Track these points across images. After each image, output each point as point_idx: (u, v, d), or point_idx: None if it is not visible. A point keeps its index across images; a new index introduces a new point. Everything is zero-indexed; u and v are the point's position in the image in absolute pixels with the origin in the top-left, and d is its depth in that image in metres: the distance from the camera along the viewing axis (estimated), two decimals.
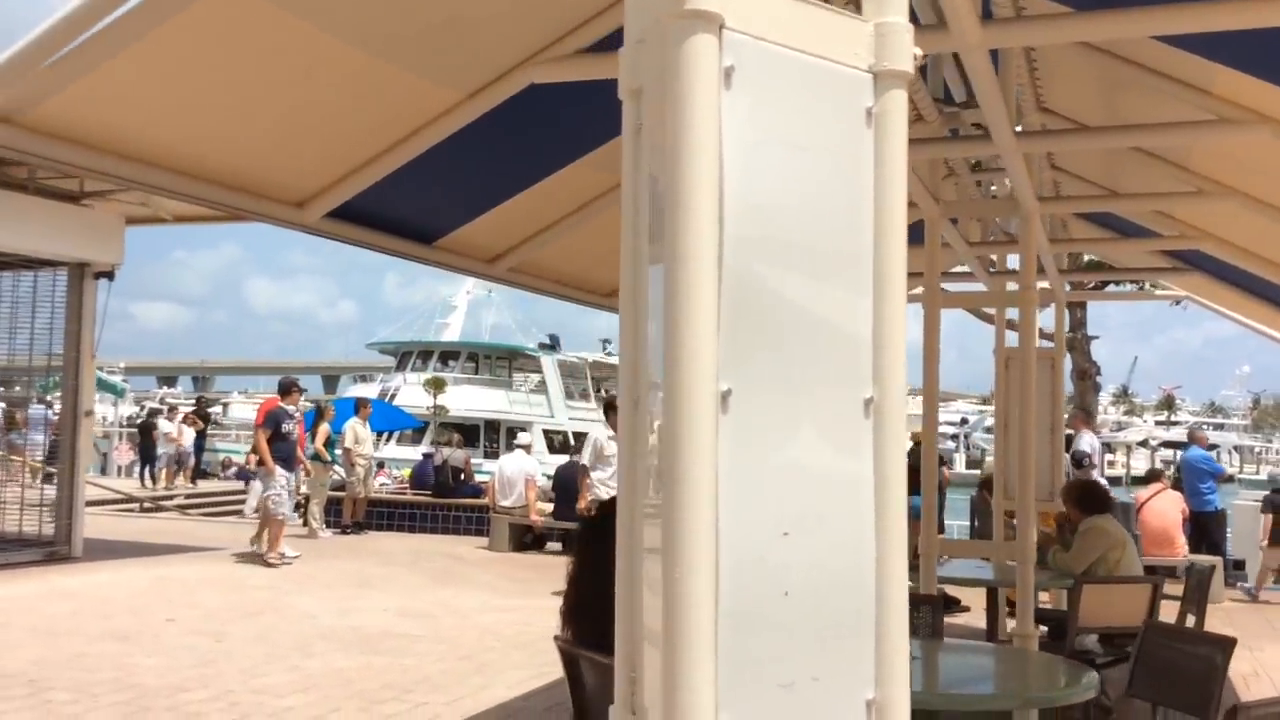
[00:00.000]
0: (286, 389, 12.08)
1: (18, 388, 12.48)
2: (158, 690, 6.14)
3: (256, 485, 11.61)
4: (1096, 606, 5.59)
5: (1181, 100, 4.15)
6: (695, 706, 1.64)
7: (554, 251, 5.03)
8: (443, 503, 15.57)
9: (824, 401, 1.85)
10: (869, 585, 1.85)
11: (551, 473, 14.55)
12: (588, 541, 3.39)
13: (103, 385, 30.45)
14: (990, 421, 79.55)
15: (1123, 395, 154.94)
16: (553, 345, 42.12)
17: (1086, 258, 13.33)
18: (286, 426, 11.44)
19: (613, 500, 4.02)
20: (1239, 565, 12.36)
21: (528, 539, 13.81)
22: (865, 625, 1.84)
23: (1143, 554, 11.07)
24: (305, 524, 14.86)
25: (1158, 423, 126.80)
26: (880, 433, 1.87)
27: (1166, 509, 10.89)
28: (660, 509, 1.74)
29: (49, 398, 20.14)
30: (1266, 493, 12.67)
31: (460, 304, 42.76)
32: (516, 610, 9.14)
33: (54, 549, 11.10)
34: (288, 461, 11.41)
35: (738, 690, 1.69)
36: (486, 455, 36.03)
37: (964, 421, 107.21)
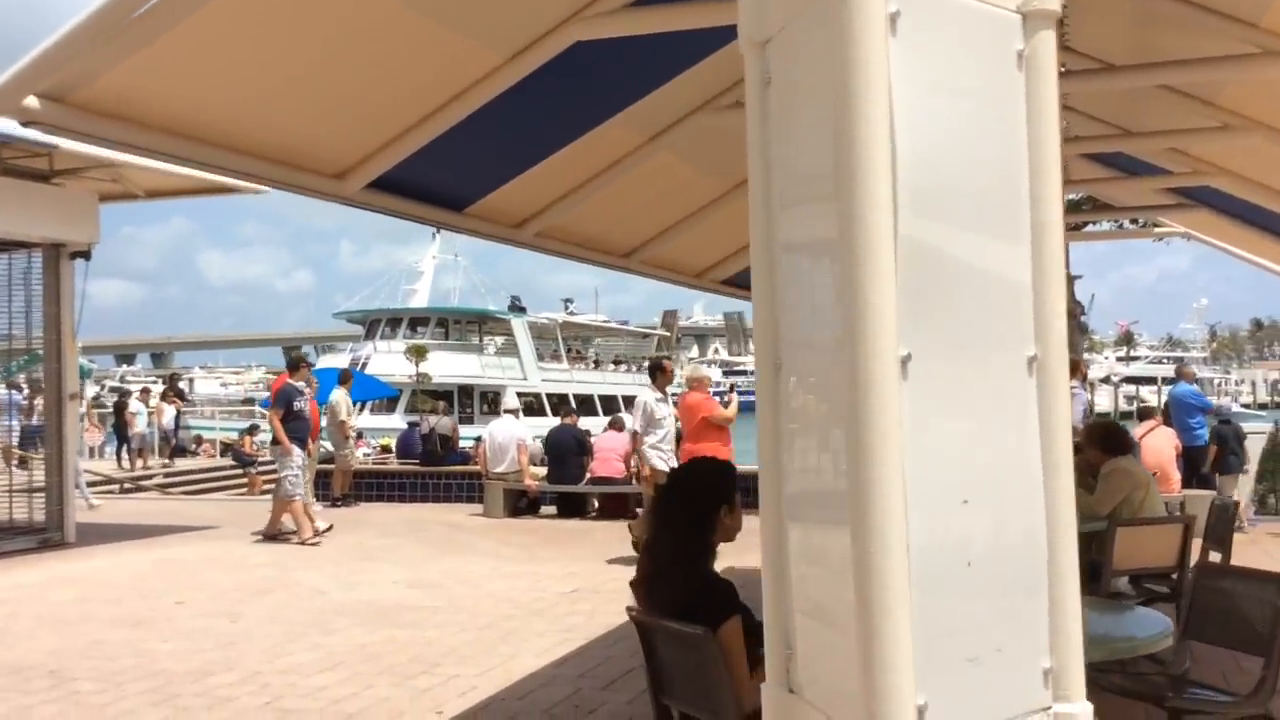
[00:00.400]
0: (295, 365, 11.76)
1: None
2: (183, 675, 6.04)
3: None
4: (1128, 549, 5.60)
5: (1222, 34, 4.09)
6: (895, 689, 1.58)
7: (578, 215, 4.91)
8: (432, 471, 15.46)
9: (992, 362, 1.78)
10: (1042, 551, 1.80)
11: (542, 436, 14.49)
12: (665, 508, 3.31)
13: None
14: None
15: (1083, 330, 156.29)
16: (521, 307, 41.90)
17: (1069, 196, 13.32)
18: (299, 404, 11.15)
19: (687, 465, 3.94)
20: None
21: (522, 504, 13.76)
22: (1039, 593, 1.79)
23: None
24: None
25: (1118, 359, 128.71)
26: (1044, 392, 1.80)
27: (1161, 445, 10.99)
28: (845, 484, 1.67)
29: (18, 379, 19.80)
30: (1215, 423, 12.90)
31: (427, 269, 42.40)
32: (526, 576, 9.09)
33: (47, 536, 10.90)
34: (303, 440, 11.12)
35: (931, 668, 1.63)
36: (462, 421, 35.92)
37: None
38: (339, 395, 15.12)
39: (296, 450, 10.85)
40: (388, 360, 36.90)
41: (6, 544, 10.48)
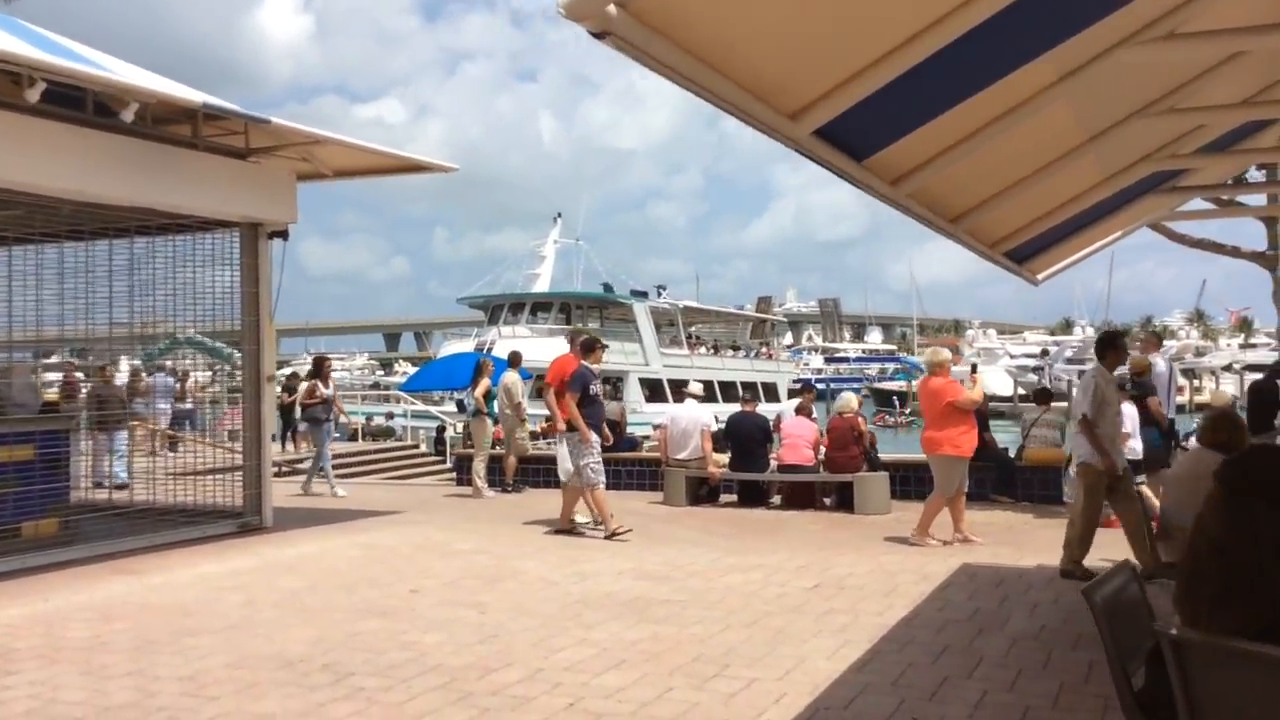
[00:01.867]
0: (590, 347, 11.09)
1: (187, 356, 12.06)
2: (463, 671, 5.72)
3: (563, 451, 10.63)
4: None
5: None
6: None
7: (945, 178, 4.41)
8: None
9: None
10: None
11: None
12: (1245, 512, 2.76)
13: (215, 352, 30.54)
14: (1070, 353, 77.71)
15: (1198, 318, 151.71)
16: (643, 292, 41.51)
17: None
18: (595, 388, 10.62)
19: (1264, 458, 3.37)
20: None
21: (703, 491, 13.34)
22: None
23: None
24: (470, 483, 14.60)
25: (1241, 345, 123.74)
26: None
27: None
28: None
29: (169, 363, 20.04)
30: None
31: (548, 253, 42.25)
32: (755, 569, 8.64)
33: (245, 520, 10.81)
34: (599, 426, 10.65)
35: None
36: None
37: (1044, 353, 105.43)
38: (513, 378, 14.87)
39: (595, 437, 10.39)
40: (511, 345, 36.82)
41: (209, 527, 10.40)
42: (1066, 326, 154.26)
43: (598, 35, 2.09)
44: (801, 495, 12.87)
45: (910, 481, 12.88)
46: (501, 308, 39.46)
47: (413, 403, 30.27)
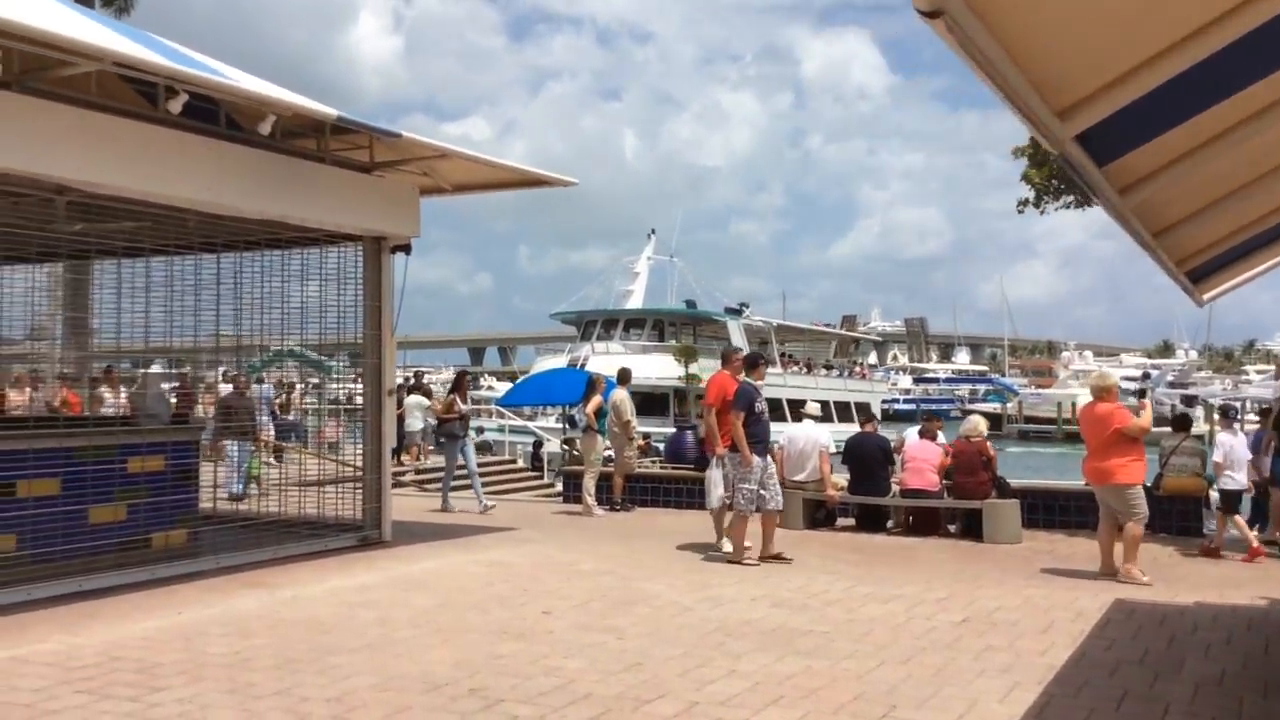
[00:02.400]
0: (754, 363, 10.67)
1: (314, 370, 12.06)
2: (615, 701, 5.48)
3: (714, 475, 10.24)
4: None
5: None
6: None
7: (1164, 191, 4.06)
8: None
9: None
10: None
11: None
12: None
13: (315, 365, 31.02)
14: (1173, 376, 75.59)
15: None
16: (737, 310, 41.19)
17: None
18: (760, 405, 10.12)
19: None
20: None
21: (820, 515, 12.97)
22: None
23: None
24: (579, 500, 14.43)
25: None
26: None
27: None
28: None
29: (261, 375, 20.21)
30: None
31: (642, 270, 42.19)
32: (892, 599, 8.28)
33: (365, 533, 10.75)
34: (765, 446, 10.17)
35: None
36: (676, 425, 35.48)
37: (1145, 376, 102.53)
38: (622, 395, 14.69)
39: (757, 461, 9.91)
40: (603, 361, 36.76)
41: (332, 540, 10.36)
42: (1165, 349, 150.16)
43: (928, 14, 1.84)
44: (925, 521, 12.44)
45: (1039, 509, 12.39)
46: (594, 323, 39.48)
47: (508, 417, 30.32)
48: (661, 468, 16.55)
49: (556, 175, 11.33)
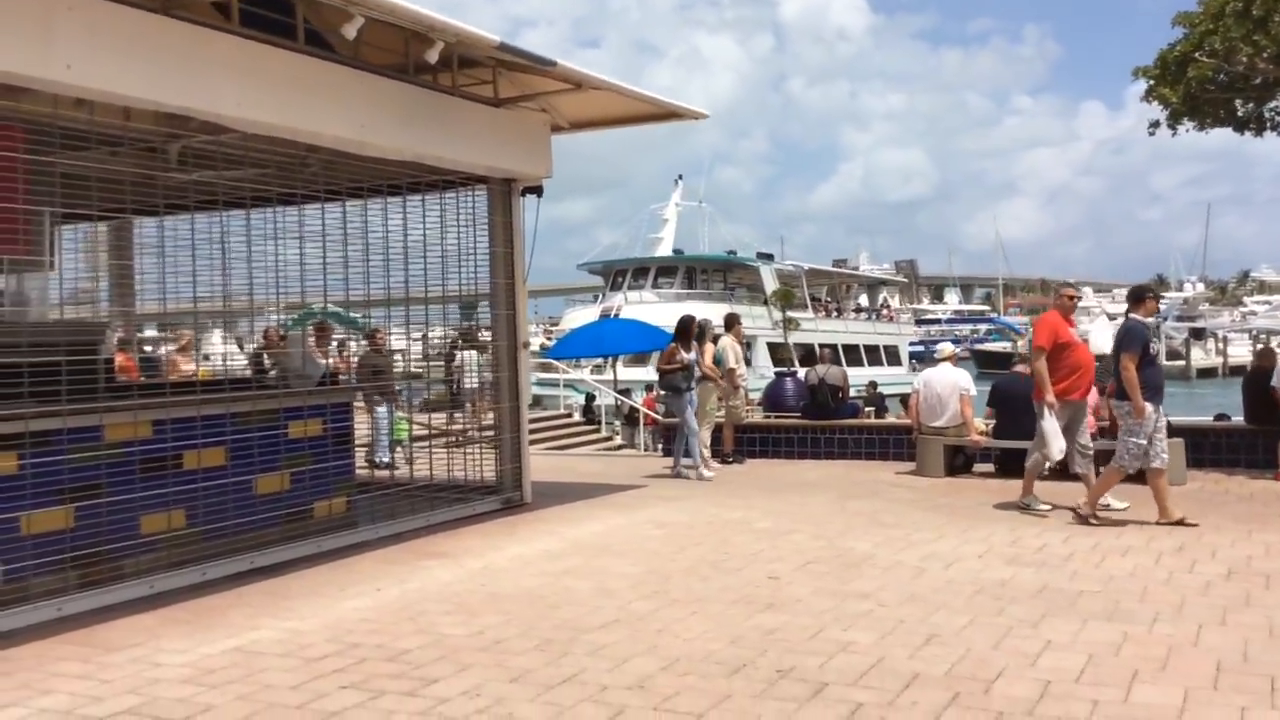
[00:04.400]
0: (1139, 297, 9.08)
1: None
2: (952, 682, 4.83)
3: (1050, 425, 9.20)
4: None
5: None
6: None
7: None
8: (826, 425, 14.16)
9: None
10: None
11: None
12: None
13: (350, 323, 30.35)
14: (1179, 310, 75.20)
15: None
16: (769, 254, 40.43)
17: None
18: (1155, 346, 8.88)
19: None
20: None
21: (959, 461, 12.35)
22: None
23: None
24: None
25: None
26: None
27: None
28: None
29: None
30: None
31: (671, 217, 41.29)
32: (1128, 551, 7.66)
33: (508, 496, 10.09)
34: (1159, 392, 8.77)
35: None
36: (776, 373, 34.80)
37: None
38: (728, 342, 13.96)
39: (1149, 410, 8.59)
40: (636, 310, 36.03)
41: (478, 505, 9.70)
42: (1160, 283, 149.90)
43: None
44: None
45: (1198, 449, 11.81)
46: (625, 273, 38.70)
47: (558, 370, 29.59)
48: (764, 417, 15.91)
49: (688, 106, 10.52)
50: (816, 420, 14.32)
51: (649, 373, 34.25)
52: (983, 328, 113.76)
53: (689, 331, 12.82)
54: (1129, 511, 9.19)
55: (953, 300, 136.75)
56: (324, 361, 10.19)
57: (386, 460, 10.73)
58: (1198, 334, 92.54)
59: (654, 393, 16.82)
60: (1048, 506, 9.47)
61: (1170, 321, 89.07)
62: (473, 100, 9.60)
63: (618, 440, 24.53)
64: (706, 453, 13.54)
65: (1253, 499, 10.16)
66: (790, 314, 38.95)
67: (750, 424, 14.78)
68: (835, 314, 43.87)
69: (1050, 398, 9.20)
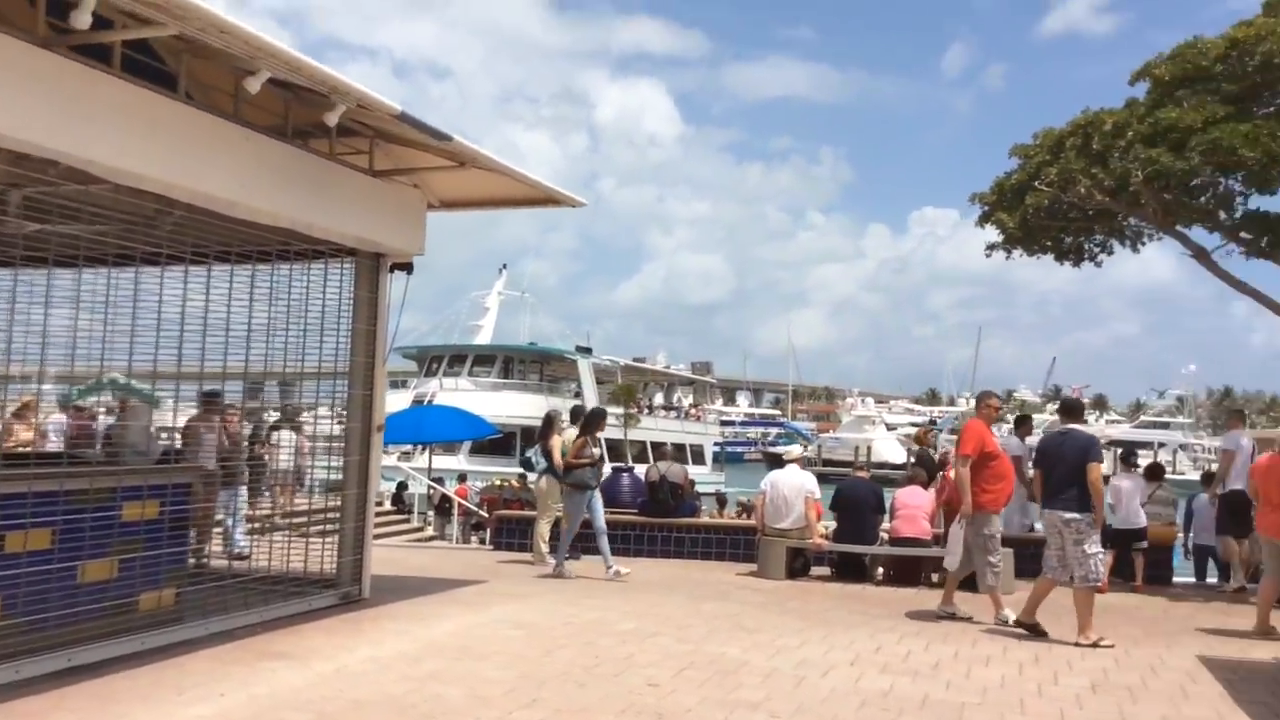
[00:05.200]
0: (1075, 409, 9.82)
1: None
2: None
3: (957, 532, 9.46)
4: None
5: None
6: None
7: None
8: (666, 524, 14.03)
9: None
10: None
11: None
12: None
13: (137, 395, 28.42)
14: (955, 423, 79.95)
15: (1054, 395, 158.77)
16: (587, 349, 40.52)
17: None
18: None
19: None
20: None
21: (798, 563, 12.41)
22: None
23: None
24: (532, 550, 13.36)
25: (1108, 421, 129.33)
26: None
27: None
28: None
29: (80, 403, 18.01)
30: None
31: (493, 305, 40.92)
32: (991, 660, 7.76)
33: (345, 590, 9.42)
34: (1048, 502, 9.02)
35: None
36: (522, 465, 34.38)
37: (932, 423, 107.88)
38: (572, 434, 13.67)
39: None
40: (451, 398, 35.31)
41: (315, 599, 9.00)
42: (933, 397, 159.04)
43: None
44: (908, 571, 12.08)
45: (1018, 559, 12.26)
46: (440, 359, 37.93)
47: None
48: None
49: (568, 194, 10.39)
50: (655, 518, 14.16)
51: (461, 461, 33.59)
52: (773, 431, 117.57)
53: (599, 423, 12.48)
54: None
55: (744, 403, 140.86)
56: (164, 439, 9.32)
57: (243, 546, 9.83)
58: None
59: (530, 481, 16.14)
60: (967, 615, 9.47)
61: (945, 434, 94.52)
62: (351, 169, 9.18)
63: (429, 531, 23.68)
64: (544, 546, 13.19)
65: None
66: (610, 409, 39.04)
67: (588, 520, 14.45)
68: (647, 412, 44.24)
69: (967, 507, 9.28)
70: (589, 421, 12.40)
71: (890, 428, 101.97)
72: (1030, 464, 10.65)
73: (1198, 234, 14.43)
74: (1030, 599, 8.92)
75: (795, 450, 13.38)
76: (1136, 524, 12.03)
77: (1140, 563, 11.87)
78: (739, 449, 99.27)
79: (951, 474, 12.47)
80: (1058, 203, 13.99)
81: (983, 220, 14.81)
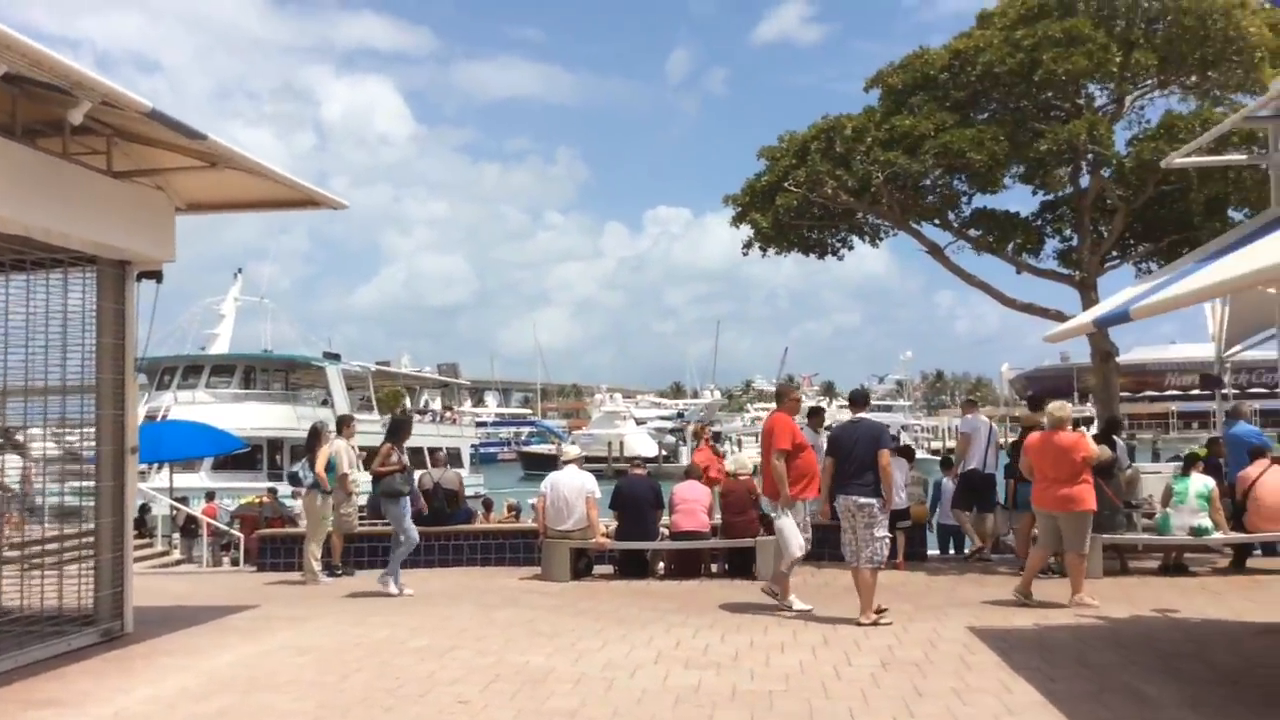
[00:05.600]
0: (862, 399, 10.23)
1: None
2: None
3: (788, 523, 9.50)
4: None
5: None
6: None
7: None
8: (443, 532, 13.70)
9: None
10: None
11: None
12: None
13: None
14: (702, 414, 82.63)
15: (790, 382, 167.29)
16: (336, 355, 39.03)
17: None
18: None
19: None
20: None
21: (581, 564, 12.41)
22: None
23: (1251, 530, 11.49)
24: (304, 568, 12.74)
25: (840, 406, 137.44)
26: None
27: (1278, 484, 11.30)
28: None
29: None
30: None
31: (229, 312, 38.66)
32: (788, 647, 8.03)
33: (107, 627, 8.64)
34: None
35: None
36: (270, 478, 32.83)
37: (680, 415, 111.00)
38: (341, 446, 13.16)
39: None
40: (187, 411, 33.21)
41: (75, 638, 8.20)
42: (677, 390, 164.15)
43: None
44: (690, 564, 12.35)
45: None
46: (174, 371, 35.54)
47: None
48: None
49: (331, 195, 9.91)
50: (431, 527, 13.80)
51: (204, 479, 31.63)
52: (525, 430, 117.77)
53: (406, 429, 12.18)
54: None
55: (493, 404, 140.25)
56: None
57: None
58: (716, 437, 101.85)
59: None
60: (807, 606, 9.59)
61: (693, 425, 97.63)
62: (90, 170, 8.40)
63: (175, 554, 22.19)
64: (317, 565, 12.62)
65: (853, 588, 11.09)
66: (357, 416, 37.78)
67: (361, 533, 13.95)
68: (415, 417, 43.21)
69: (786, 498, 9.49)
70: (395, 429, 12.17)
71: (639, 422, 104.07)
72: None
73: (931, 231, 15.50)
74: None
75: (573, 451, 13.33)
76: (900, 505, 12.79)
77: (901, 541, 12.59)
78: (493, 450, 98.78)
79: (718, 470, 12.90)
80: (806, 202, 14.67)
81: (737, 220, 15.35)
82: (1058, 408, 9.81)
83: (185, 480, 29.65)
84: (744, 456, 13.16)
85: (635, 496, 12.26)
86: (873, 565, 8.98)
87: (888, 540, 9.23)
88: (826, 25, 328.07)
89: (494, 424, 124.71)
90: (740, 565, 12.14)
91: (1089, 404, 50.17)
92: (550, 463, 78.39)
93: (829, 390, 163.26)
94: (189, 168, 9.01)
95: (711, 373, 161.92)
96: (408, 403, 50.27)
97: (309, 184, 9.55)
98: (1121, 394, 16.95)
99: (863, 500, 9.00)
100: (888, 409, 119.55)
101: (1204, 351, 30.85)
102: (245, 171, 8.86)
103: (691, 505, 12.09)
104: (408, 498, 11.76)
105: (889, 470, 9.08)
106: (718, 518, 12.26)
